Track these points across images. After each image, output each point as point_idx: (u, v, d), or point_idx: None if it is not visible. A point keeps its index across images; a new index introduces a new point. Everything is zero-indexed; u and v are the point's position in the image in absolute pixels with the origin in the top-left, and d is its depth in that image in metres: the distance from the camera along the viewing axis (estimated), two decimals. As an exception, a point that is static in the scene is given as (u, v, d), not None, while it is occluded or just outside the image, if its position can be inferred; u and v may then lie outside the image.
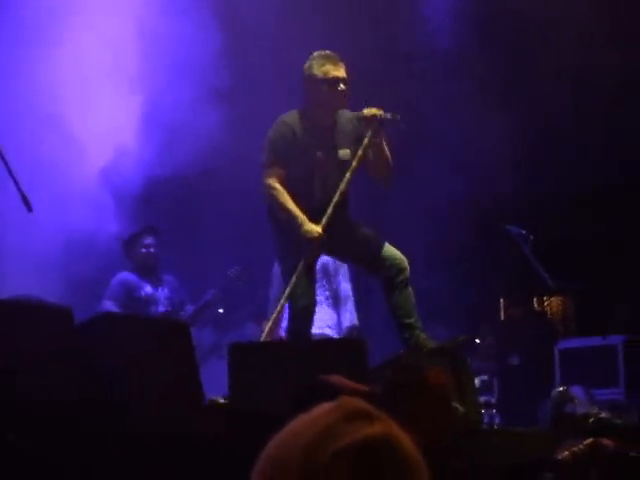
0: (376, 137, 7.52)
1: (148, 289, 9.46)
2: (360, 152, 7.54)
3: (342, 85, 7.56)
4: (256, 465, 1.57)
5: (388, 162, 7.62)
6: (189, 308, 9.58)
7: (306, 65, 7.66)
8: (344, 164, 7.58)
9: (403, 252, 7.59)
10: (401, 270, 7.54)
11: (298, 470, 1.50)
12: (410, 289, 7.57)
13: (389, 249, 7.59)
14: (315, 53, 7.69)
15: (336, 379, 4.97)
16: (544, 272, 9.77)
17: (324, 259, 8.44)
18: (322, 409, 1.57)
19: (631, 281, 10.27)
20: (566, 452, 5.10)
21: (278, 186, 7.47)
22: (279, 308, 7.59)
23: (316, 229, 7.40)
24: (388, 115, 7.53)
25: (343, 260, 8.24)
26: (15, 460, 4.73)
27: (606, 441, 5.04)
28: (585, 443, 5.10)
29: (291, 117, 7.63)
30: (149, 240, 9.57)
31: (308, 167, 7.55)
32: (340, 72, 7.58)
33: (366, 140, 7.53)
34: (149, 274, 9.55)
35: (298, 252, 7.50)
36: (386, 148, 7.57)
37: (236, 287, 9.86)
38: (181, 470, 5.10)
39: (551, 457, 5.11)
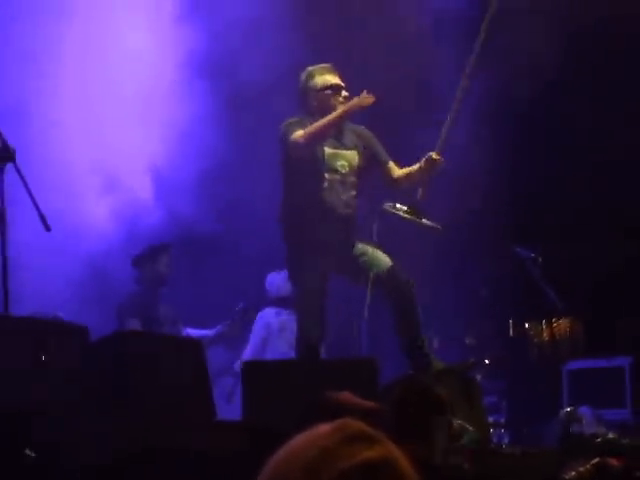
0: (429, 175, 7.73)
1: (161, 308, 9.39)
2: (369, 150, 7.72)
3: (344, 92, 7.68)
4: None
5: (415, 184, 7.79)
6: (185, 330, 9.55)
7: (304, 77, 7.77)
8: (355, 164, 7.68)
9: (413, 274, 7.61)
10: (408, 289, 7.54)
11: None
12: (418, 312, 7.57)
13: (397, 273, 7.59)
14: (311, 67, 7.81)
15: (345, 396, 4.96)
16: (553, 294, 9.74)
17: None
18: (322, 430, 1.56)
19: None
20: (573, 472, 5.07)
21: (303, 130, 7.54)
22: None
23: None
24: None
25: (352, 281, 8.21)
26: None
27: (613, 461, 5.01)
28: (592, 463, 5.07)
29: (299, 118, 7.71)
30: (167, 258, 9.49)
31: (318, 163, 7.59)
32: (339, 80, 7.74)
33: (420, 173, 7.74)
34: (159, 292, 9.48)
35: (313, 254, 7.54)
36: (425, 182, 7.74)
37: (242, 321, 9.82)
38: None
39: (558, 477, 5.08)
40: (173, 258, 9.54)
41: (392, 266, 7.60)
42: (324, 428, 1.55)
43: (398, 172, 7.84)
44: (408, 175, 7.82)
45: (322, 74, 7.70)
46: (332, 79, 7.70)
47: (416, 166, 7.77)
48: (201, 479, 5.13)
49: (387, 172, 7.85)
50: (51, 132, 9.31)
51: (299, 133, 7.51)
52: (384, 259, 7.63)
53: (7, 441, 4.85)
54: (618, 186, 10.27)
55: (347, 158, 7.69)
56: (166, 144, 9.88)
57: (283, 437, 4.39)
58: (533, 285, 9.81)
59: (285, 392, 6.16)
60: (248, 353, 9.48)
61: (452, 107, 7.79)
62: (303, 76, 7.77)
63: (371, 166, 7.82)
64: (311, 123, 7.59)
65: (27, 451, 4.81)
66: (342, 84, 7.72)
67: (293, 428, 4.56)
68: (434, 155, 7.67)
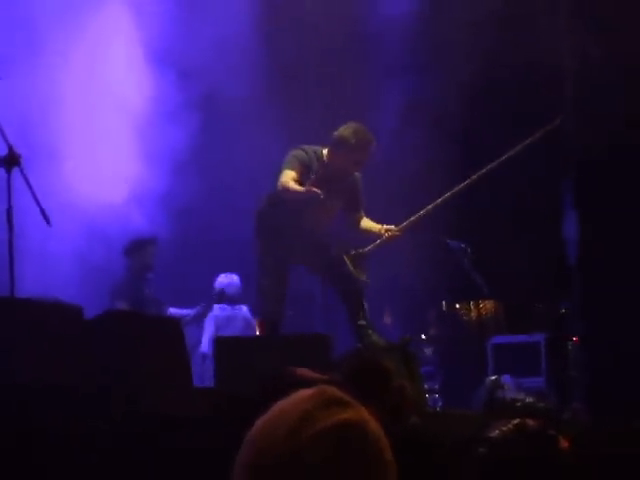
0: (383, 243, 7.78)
1: (147, 290, 9.45)
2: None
3: (362, 165, 7.70)
4: (242, 446, 1.56)
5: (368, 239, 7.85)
6: (169, 309, 9.59)
7: (351, 134, 7.59)
8: (334, 210, 7.70)
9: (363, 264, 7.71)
10: (356, 279, 7.64)
11: (282, 448, 1.50)
12: (363, 294, 7.68)
13: (347, 265, 7.67)
14: (363, 131, 7.65)
15: (302, 370, 5.01)
16: (480, 279, 9.84)
17: None
18: (303, 395, 1.56)
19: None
20: (497, 431, 5.13)
21: (291, 181, 7.50)
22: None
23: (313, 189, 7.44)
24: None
25: (311, 271, 8.27)
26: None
27: (530, 421, 5.09)
28: (513, 423, 5.14)
29: (312, 151, 7.68)
30: (153, 249, 9.55)
31: (308, 199, 7.54)
32: (368, 156, 7.64)
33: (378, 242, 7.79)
34: (145, 278, 9.53)
35: (276, 253, 7.58)
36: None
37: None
38: (172, 446, 5.11)
39: (484, 435, 5.14)
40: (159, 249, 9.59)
41: (345, 260, 7.69)
42: (304, 393, 1.56)
43: (363, 224, 7.87)
44: (368, 231, 7.85)
45: (364, 147, 7.57)
46: (365, 157, 7.63)
47: (376, 229, 7.80)
48: (179, 441, 5.16)
49: (355, 219, 7.88)
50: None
51: (287, 181, 7.48)
52: (338, 254, 7.72)
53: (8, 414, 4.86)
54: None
55: (331, 207, 7.73)
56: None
57: (249, 402, 4.44)
58: (463, 272, 9.90)
59: (250, 364, 6.21)
60: (205, 345, 9.50)
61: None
62: (351, 132, 7.59)
63: (346, 206, 7.85)
64: (317, 163, 7.62)
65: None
66: (366, 160, 7.67)
67: (257, 395, 4.62)
68: (397, 231, 7.72)
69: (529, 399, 6.35)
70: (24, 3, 9.58)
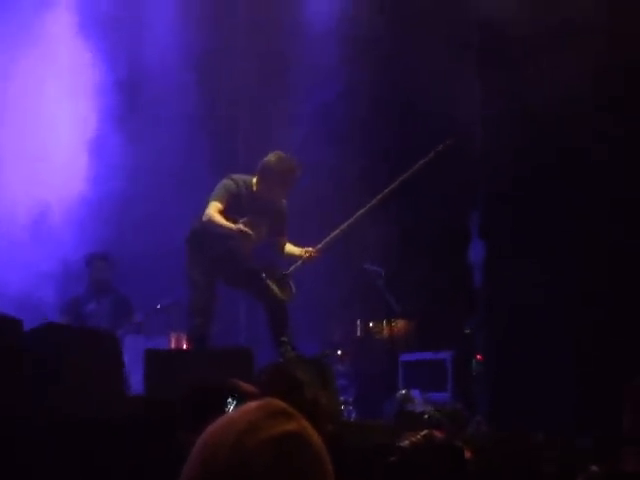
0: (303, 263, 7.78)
1: (92, 306, 9.32)
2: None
3: (287, 191, 7.71)
4: (190, 453, 1.56)
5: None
6: (138, 315, 9.43)
7: (275, 159, 7.60)
8: (261, 236, 7.66)
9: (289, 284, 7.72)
10: (280, 298, 7.64)
11: (229, 455, 1.50)
12: (286, 312, 7.67)
13: (271, 282, 7.68)
14: (283, 154, 7.66)
15: (231, 381, 4.98)
16: (393, 300, 9.88)
17: None
18: (249, 407, 1.57)
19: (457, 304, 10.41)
20: (407, 441, 5.15)
21: (217, 214, 7.46)
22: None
23: (243, 228, 7.44)
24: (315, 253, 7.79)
25: (236, 288, 8.24)
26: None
27: (437, 432, 5.11)
28: (421, 434, 5.16)
29: (242, 181, 7.67)
30: (101, 265, 9.41)
31: (236, 220, 7.53)
32: (293, 182, 7.67)
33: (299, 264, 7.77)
34: (97, 292, 9.39)
35: (205, 266, 7.54)
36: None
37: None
38: (105, 448, 5.05)
39: (395, 444, 5.15)
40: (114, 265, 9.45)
41: (267, 279, 7.69)
42: (251, 405, 1.57)
43: (286, 248, 7.91)
44: (291, 254, 7.87)
45: (290, 163, 7.60)
46: (291, 183, 7.66)
47: (297, 252, 7.82)
48: (109, 442, 5.10)
49: (280, 244, 7.89)
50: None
51: (212, 214, 7.48)
52: (260, 272, 7.71)
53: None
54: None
55: (261, 229, 7.71)
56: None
57: (173, 408, 4.36)
58: (377, 293, 9.95)
59: (178, 374, 6.17)
60: None
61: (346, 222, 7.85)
62: (276, 159, 7.61)
63: (271, 231, 7.84)
64: (245, 190, 7.61)
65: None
66: (293, 187, 7.70)
67: (182, 402, 4.57)
68: (314, 252, 7.74)
69: (436, 412, 6.36)
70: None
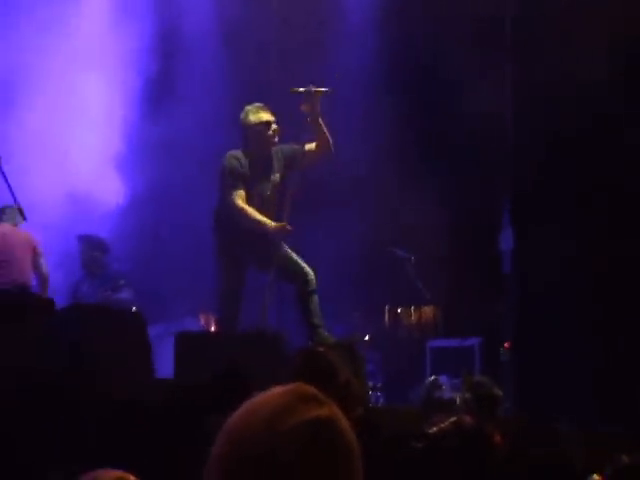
0: (315, 109, 7.50)
1: (84, 288, 9.33)
2: (299, 161, 7.60)
3: (274, 126, 7.57)
4: (218, 437, 1.54)
5: (327, 135, 7.61)
6: (125, 293, 9.40)
7: (243, 116, 7.63)
8: (277, 185, 7.62)
9: (315, 266, 7.65)
10: (309, 281, 7.58)
11: (258, 440, 1.48)
12: (316, 296, 7.61)
13: (301, 263, 7.63)
14: (248, 106, 7.67)
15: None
16: (421, 286, 9.85)
17: None
18: (278, 391, 1.55)
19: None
20: (435, 428, 5.12)
21: (245, 205, 7.45)
22: None
23: (282, 224, 7.42)
24: (322, 89, 7.55)
25: (265, 272, 8.18)
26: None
27: (467, 418, 5.07)
28: (450, 420, 5.13)
29: (236, 152, 7.63)
30: (84, 248, 9.42)
31: (249, 189, 7.53)
32: (271, 117, 7.59)
33: (308, 115, 7.52)
34: (90, 274, 9.41)
35: (233, 267, 7.51)
36: (322, 123, 7.56)
37: None
38: (134, 429, 5.05)
39: (423, 431, 5.12)
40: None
41: (297, 259, 7.65)
42: (280, 389, 1.55)
43: (310, 144, 7.73)
44: (317, 138, 7.68)
45: (256, 112, 7.58)
46: (265, 116, 7.58)
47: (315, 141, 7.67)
48: (139, 427, 5.10)
49: (308, 152, 7.72)
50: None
51: (240, 202, 7.45)
52: (291, 253, 7.67)
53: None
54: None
55: (273, 182, 7.66)
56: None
57: (205, 392, 4.36)
58: (406, 279, 9.91)
59: (208, 357, 6.16)
60: None
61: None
62: (241, 114, 7.64)
63: (297, 163, 7.74)
64: (248, 157, 7.56)
65: None
66: (272, 119, 7.60)
67: (213, 386, 4.54)
68: (302, 89, 7.56)
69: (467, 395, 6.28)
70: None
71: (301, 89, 7.56)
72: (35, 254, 8.40)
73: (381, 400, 9.11)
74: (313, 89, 7.53)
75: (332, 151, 7.73)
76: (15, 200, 6.22)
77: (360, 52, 10.90)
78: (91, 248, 9.38)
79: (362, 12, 10.96)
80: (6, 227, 8.24)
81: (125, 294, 9.29)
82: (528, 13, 10.25)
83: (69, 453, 4.72)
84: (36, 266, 8.39)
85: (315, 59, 10.23)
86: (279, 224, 7.50)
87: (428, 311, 10.25)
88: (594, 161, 9.89)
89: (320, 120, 7.59)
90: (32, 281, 8.28)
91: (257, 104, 7.69)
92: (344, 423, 1.54)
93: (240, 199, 7.48)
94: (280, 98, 8.25)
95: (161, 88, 10.34)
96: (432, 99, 10.64)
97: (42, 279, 8.46)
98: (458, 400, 6.02)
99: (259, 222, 7.47)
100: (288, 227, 7.51)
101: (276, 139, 7.66)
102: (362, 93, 10.75)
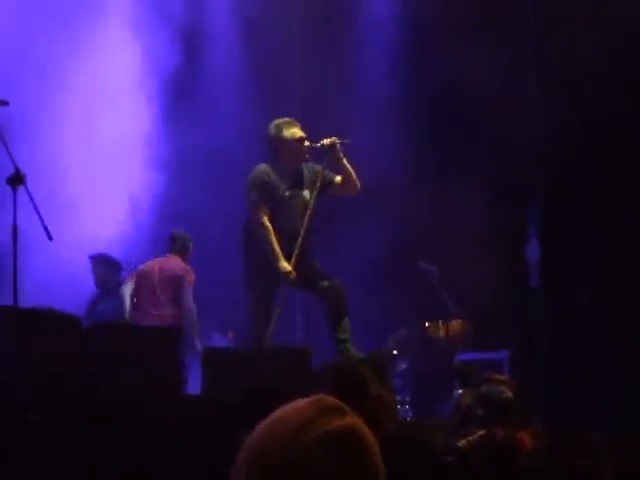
0: (338, 157, 7.51)
1: (100, 307, 9.33)
2: (318, 182, 7.55)
3: (307, 142, 7.56)
4: (243, 448, 1.56)
5: (353, 175, 7.60)
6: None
7: (274, 130, 7.55)
8: (306, 203, 7.58)
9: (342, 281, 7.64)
10: (340, 296, 7.55)
11: (283, 451, 1.50)
12: (346, 311, 7.58)
13: (331, 278, 7.60)
14: (277, 120, 7.62)
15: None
16: (449, 300, 9.81)
17: None
18: (302, 403, 1.57)
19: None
20: (464, 440, 5.09)
21: (268, 225, 7.43)
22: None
23: (288, 268, 7.36)
24: (342, 140, 7.54)
25: (297, 288, 8.13)
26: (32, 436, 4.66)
27: (498, 431, 5.04)
28: (480, 433, 5.09)
29: (264, 166, 7.59)
30: (98, 267, 9.43)
31: (277, 204, 7.50)
32: (303, 133, 7.57)
33: (325, 162, 7.56)
34: (106, 292, 9.41)
35: (264, 284, 7.48)
36: (347, 164, 7.56)
37: None
38: (164, 445, 5.05)
39: (453, 444, 5.09)
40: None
41: (329, 276, 7.62)
42: (303, 401, 1.57)
43: (339, 178, 7.73)
44: (338, 185, 7.70)
45: (289, 127, 7.54)
46: (298, 132, 7.54)
47: (321, 172, 7.65)
48: (169, 445, 5.10)
49: (335, 185, 7.75)
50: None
51: (264, 220, 7.41)
52: (322, 270, 7.65)
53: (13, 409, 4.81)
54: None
55: (302, 197, 7.63)
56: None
57: (236, 408, 4.35)
58: (433, 292, 9.88)
59: (236, 373, 6.15)
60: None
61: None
62: (272, 129, 7.56)
63: (323, 188, 7.73)
64: (277, 172, 7.53)
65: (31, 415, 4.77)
66: (305, 136, 7.58)
67: (243, 403, 4.53)
68: (325, 141, 7.54)
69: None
70: (27, 29, 9.56)
71: (318, 144, 7.54)
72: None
73: (410, 414, 9.07)
74: (327, 141, 7.50)
75: (359, 189, 7.73)
76: (41, 219, 6.23)
77: (382, 53, 10.92)
78: (106, 267, 9.40)
79: (384, 9, 10.97)
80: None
81: None
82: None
83: (99, 469, 4.73)
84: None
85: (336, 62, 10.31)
86: (287, 269, 7.40)
87: (456, 325, 10.21)
88: (623, 171, 9.85)
89: (345, 162, 7.58)
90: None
91: (287, 119, 7.65)
92: (367, 434, 1.55)
93: (265, 216, 7.45)
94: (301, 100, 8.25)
95: (185, 99, 10.39)
96: (458, 111, 10.62)
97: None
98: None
99: (273, 252, 7.42)
100: (293, 275, 7.40)
101: (308, 155, 7.65)
102: (387, 102, 10.75)
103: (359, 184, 7.66)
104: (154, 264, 8.79)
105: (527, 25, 10.52)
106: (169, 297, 8.60)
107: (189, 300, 8.64)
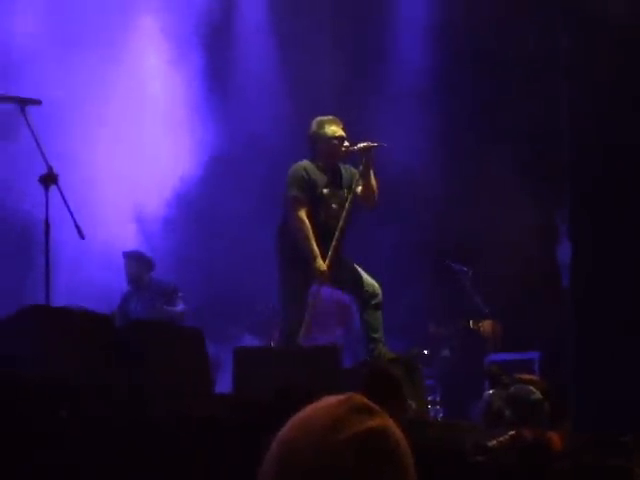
0: (369, 163, 7.48)
1: (132, 304, 9.37)
2: (354, 185, 7.55)
3: (346, 142, 7.55)
4: (272, 447, 1.55)
5: (374, 187, 7.56)
6: (180, 306, 9.43)
7: (316, 127, 7.53)
8: (343, 202, 7.57)
9: (378, 280, 7.60)
10: (374, 295, 7.53)
11: (313, 451, 1.48)
12: (380, 311, 7.54)
13: (367, 277, 7.58)
14: (319, 117, 7.60)
15: None
16: (480, 300, 9.79)
17: None
18: (331, 402, 1.55)
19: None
20: (494, 441, 5.08)
21: (307, 221, 7.41)
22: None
23: (324, 267, 7.34)
24: (378, 144, 7.53)
25: (332, 285, 8.10)
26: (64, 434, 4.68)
27: (527, 432, 5.03)
28: (510, 434, 5.09)
29: (303, 163, 7.57)
30: (130, 263, 9.48)
31: (315, 201, 7.49)
32: (343, 132, 7.56)
33: (361, 168, 7.52)
34: (137, 289, 9.47)
35: (301, 268, 7.45)
36: (373, 176, 7.55)
37: None
38: (193, 446, 5.07)
39: (483, 444, 5.08)
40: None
41: (363, 272, 7.60)
42: (333, 399, 1.55)
43: (359, 187, 7.66)
44: (364, 188, 7.66)
45: (331, 125, 7.52)
46: (338, 130, 7.52)
47: (358, 176, 7.60)
48: (200, 444, 5.11)
49: (357, 196, 7.67)
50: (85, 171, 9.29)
51: (303, 216, 7.37)
52: (356, 267, 7.62)
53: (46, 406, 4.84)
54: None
55: (339, 196, 7.62)
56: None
57: (266, 407, 4.35)
58: (464, 293, 9.86)
59: (267, 373, 6.15)
60: None
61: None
62: (314, 125, 7.55)
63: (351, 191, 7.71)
64: (316, 169, 7.51)
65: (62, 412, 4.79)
66: (344, 135, 7.56)
67: (274, 401, 4.53)
68: (361, 145, 7.53)
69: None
70: (63, 24, 9.62)
71: (356, 147, 7.54)
72: None
73: (441, 414, 9.07)
74: (362, 145, 7.48)
75: (375, 204, 7.70)
76: (73, 218, 6.25)
77: (415, 52, 10.93)
78: (138, 264, 9.44)
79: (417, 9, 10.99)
80: None
81: (181, 306, 9.35)
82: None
83: (131, 466, 4.75)
84: None
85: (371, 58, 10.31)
86: (322, 268, 7.36)
87: (487, 325, 10.19)
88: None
89: (372, 173, 7.56)
90: None
91: (329, 116, 7.62)
92: (397, 433, 1.54)
93: (303, 212, 7.44)
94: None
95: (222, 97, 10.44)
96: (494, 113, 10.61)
97: None
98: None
99: (311, 250, 7.36)
100: (328, 274, 7.36)
101: (345, 155, 7.65)
102: (418, 99, 10.75)
103: (377, 200, 7.63)
104: None
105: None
106: None
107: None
